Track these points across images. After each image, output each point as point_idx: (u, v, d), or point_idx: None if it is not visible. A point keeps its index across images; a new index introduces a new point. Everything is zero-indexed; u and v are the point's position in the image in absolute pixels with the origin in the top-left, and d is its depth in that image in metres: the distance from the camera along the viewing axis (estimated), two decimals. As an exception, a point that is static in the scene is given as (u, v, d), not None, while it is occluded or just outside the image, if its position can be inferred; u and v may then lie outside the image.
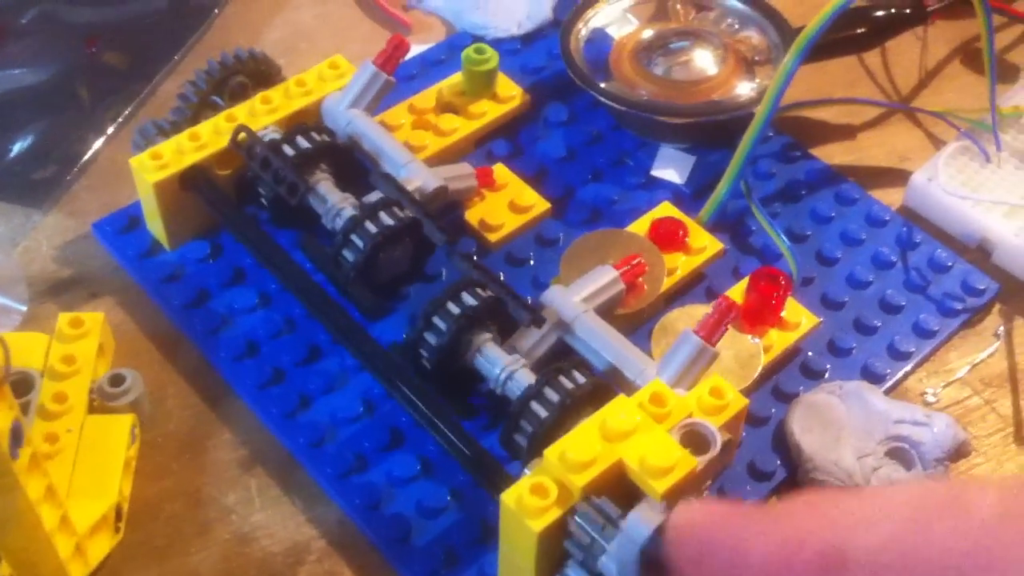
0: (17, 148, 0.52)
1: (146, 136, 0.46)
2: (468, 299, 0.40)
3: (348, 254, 0.43)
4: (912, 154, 0.54)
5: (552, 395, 0.37)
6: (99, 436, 0.40)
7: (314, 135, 0.45)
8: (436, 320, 0.40)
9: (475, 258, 0.44)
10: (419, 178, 0.45)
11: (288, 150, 0.45)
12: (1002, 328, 0.47)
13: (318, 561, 0.40)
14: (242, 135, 0.45)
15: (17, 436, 0.32)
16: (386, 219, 0.43)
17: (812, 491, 0.31)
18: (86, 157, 0.52)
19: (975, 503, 0.22)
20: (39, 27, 0.56)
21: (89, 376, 0.41)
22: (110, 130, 0.53)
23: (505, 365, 0.39)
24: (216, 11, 0.58)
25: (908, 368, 0.45)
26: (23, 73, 0.54)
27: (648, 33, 0.54)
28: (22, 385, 0.40)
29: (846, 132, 0.55)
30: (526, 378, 0.39)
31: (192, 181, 0.45)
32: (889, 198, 0.51)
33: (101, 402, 0.41)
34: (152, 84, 0.55)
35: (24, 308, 0.46)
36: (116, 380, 0.42)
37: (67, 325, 0.42)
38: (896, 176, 0.52)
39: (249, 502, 0.41)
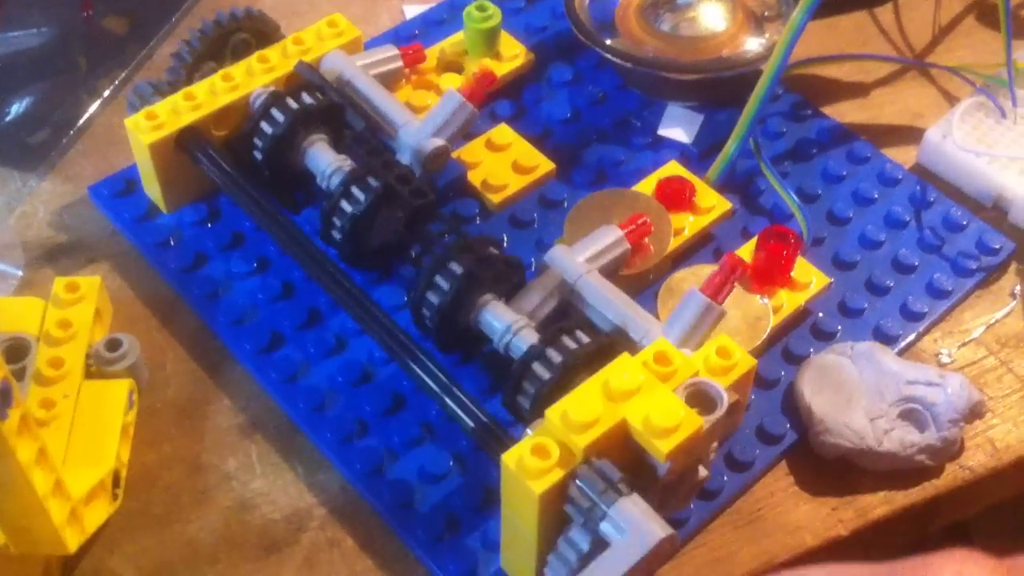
0: (13, 112, 0.51)
1: (142, 96, 0.46)
2: (470, 259, 0.39)
3: (337, 220, 0.42)
4: (926, 111, 0.53)
5: (555, 356, 0.36)
6: (96, 402, 0.40)
7: (310, 95, 0.44)
8: (438, 279, 0.39)
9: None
10: (418, 139, 0.44)
11: (283, 111, 0.44)
12: (1018, 287, 0.46)
13: (320, 528, 0.39)
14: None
15: (5, 397, 0.31)
16: (374, 182, 0.42)
17: None
18: (82, 121, 0.51)
19: None
20: (34, -9, 0.56)
21: (86, 341, 0.41)
22: (106, 93, 0.52)
23: (509, 325, 0.39)
24: (214, -27, 0.58)
25: (921, 329, 0.44)
26: (19, 37, 0.54)
27: (654, -11, 0.53)
28: (17, 350, 0.40)
29: (858, 89, 0.53)
30: (530, 338, 0.38)
31: (188, 142, 0.44)
32: (903, 156, 0.50)
33: (98, 367, 0.41)
34: (149, 47, 0.54)
35: (20, 273, 0.46)
36: (113, 345, 0.41)
37: (63, 290, 0.42)
38: (910, 133, 0.51)
39: (249, 468, 0.40)
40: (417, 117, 0.46)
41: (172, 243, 0.46)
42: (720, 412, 0.34)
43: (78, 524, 0.37)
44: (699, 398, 0.34)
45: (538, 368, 0.36)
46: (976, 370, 0.44)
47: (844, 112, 0.52)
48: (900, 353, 0.43)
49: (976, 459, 0.41)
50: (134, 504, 0.39)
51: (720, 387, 0.34)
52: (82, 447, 0.38)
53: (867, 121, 0.52)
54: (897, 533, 0.41)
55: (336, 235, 0.42)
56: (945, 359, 0.44)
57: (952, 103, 0.53)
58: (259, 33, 0.48)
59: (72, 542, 0.37)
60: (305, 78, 0.45)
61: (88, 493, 0.37)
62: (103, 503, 0.38)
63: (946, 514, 0.42)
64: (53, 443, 0.37)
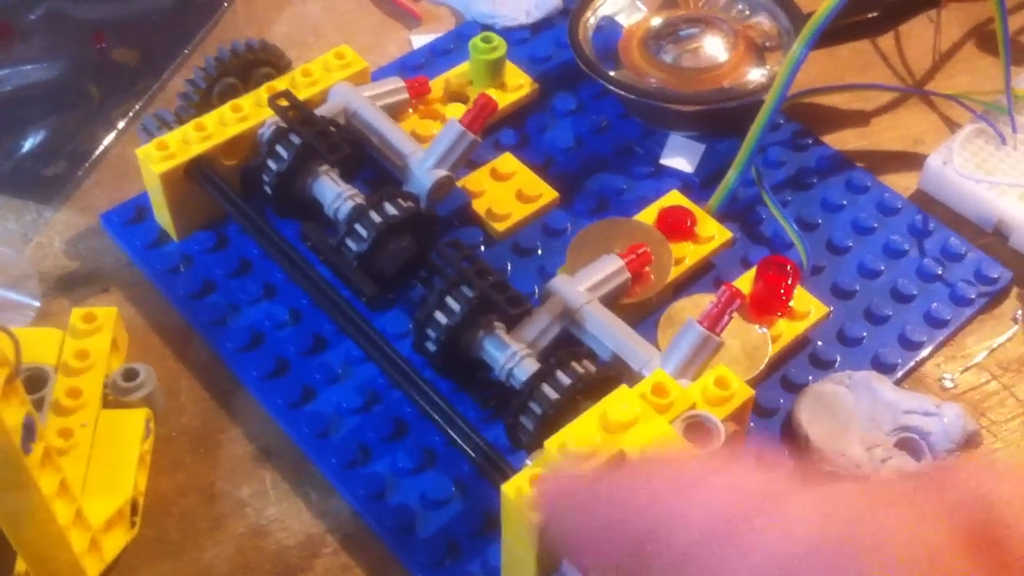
0: (28, 144, 0.52)
1: (158, 122, 0.46)
2: (479, 284, 0.40)
3: (351, 244, 0.43)
4: (927, 138, 0.53)
5: (564, 378, 0.37)
6: (113, 431, 0.40)
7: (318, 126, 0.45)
8: (448, 300, 0.40)
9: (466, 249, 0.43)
10: (421, 170, 0.45)
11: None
12: (1020, 312, 0.47)
13: (334, 554, 0.40)
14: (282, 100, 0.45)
15: (30, 431, 0.32)
16: (390, 210, 0.42)
17: (640, 461, 0.30)
18: (96, 153, 0.52)
19: (791, 505, 0.20)
20: (47, 24, 0.56)
21: (103, 371, 0.41)
22: (120, 125, 0.53)
23: (511, 354, 0.39)
24: (225, 4, 0.59)
25: (920, 358, 0.45)
26: (33, 70, 0.55)
27: (657, 20, 0.53)
28: (36, 381, 0.41)
29: (859, 117, 0.54)
30: (531, 367, 0.39)
31: (198, 171, 0.45)
32: (904, 182, 0.51)
33: (115, 397, 0.41)
34: (161, 80, 0.55)
35: (37, 304, 0.46)
36: (129, 375, 0.42)
37: (80, 320, 0.42)
38: (911, 160, 0.52)
39: (263, 495, 0.41)
40: (422, 147, 0.47)
41: (181, 270, 0.47)
42: (716, 445, 0.34)
43: (97, 552, 0.38)
44: (696, 430, 0.35)
45: (547, 389, 0.37)
46: (979, 395, 0.44)
47: (845, 139, 0.53)
48: (901, 379, 0.44)
49: (979, 483, 0.42)
50: (151, 531, 0.40)
51: (717, 420, 0.35)
52: (101, 476, 0.39)
53: (868, 148, 0.53)
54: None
55: (353, 246, 0.43)
56: (948, 383, 0.44)
57: (953, 130, 0.53)
58: (270, 66, 0.49)
59: (92, 571, 0.38)
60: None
61: (107, 521, 0.38)
62: (121, 531, 0.39)
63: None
64: (72, 472, 0.38)
